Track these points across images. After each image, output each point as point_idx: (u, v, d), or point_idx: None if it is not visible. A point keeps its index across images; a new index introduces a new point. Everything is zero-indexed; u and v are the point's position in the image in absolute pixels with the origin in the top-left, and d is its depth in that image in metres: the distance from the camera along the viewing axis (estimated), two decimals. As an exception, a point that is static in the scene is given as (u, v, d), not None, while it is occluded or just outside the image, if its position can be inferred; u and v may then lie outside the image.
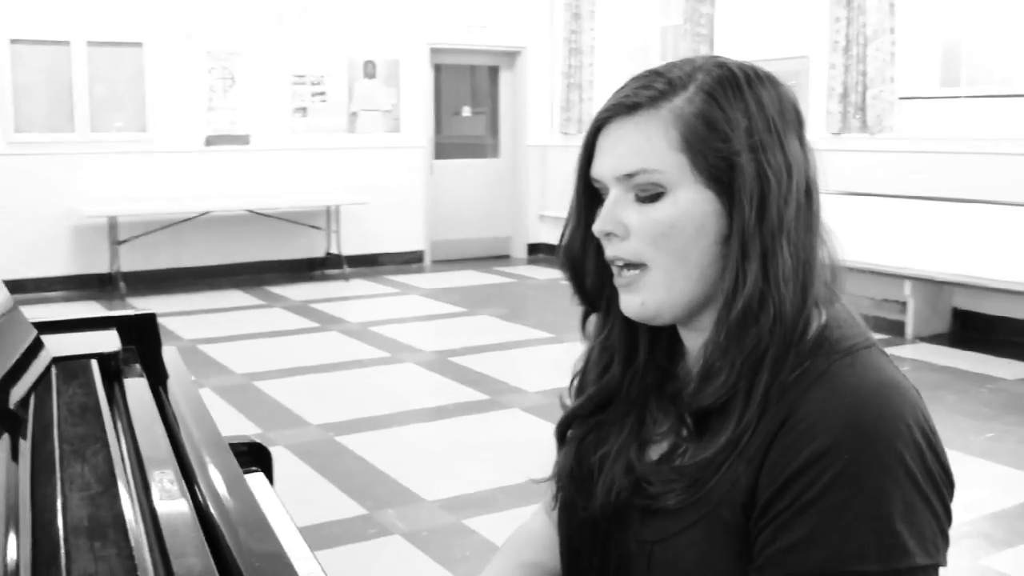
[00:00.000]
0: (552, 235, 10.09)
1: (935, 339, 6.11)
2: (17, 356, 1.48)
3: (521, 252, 10.23)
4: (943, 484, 0.88)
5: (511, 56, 10.14)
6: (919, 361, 5.61)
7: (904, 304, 6.15)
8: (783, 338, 0.91)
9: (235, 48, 8.65)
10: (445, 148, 10.01)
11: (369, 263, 9.35)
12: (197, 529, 1.03)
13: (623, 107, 0.95)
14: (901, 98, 6.94)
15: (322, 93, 9.10)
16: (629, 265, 0.96)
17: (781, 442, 0.88)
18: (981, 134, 6.37)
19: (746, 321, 0.91)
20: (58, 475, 1.10)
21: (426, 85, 9.63)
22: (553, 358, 6.01)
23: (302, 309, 7.45)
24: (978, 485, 3.71)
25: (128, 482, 1.11)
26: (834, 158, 7.17)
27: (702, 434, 0.95)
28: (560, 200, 9.95)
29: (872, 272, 6.08)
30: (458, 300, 7.83)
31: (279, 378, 5.40)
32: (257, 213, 8.67)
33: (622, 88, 0.97)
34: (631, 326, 1.03)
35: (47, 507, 1.05)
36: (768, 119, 0.92)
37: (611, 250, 0.97)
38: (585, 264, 1.03)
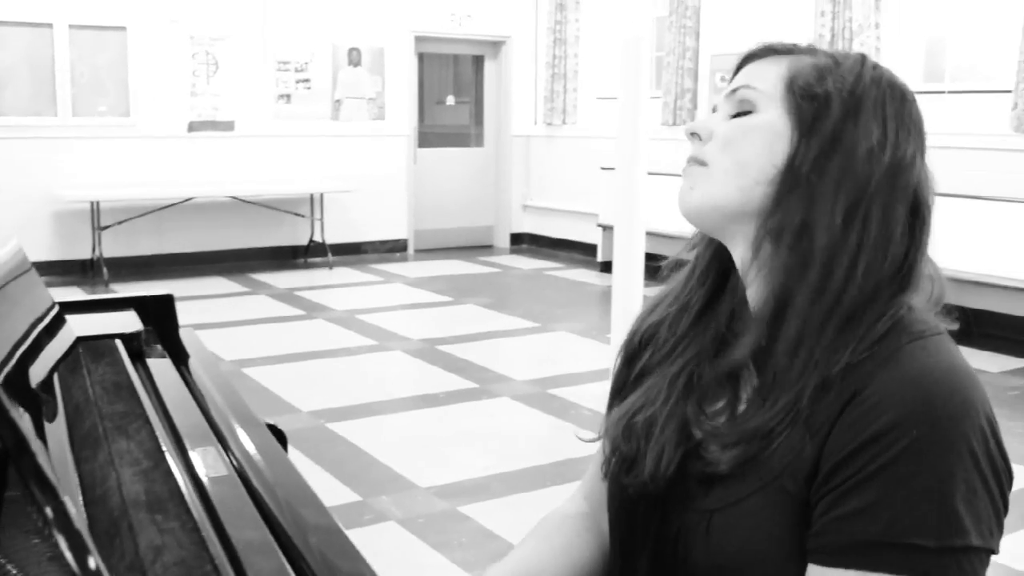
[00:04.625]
0: (535, 225, 10.13)
1: (918, 332, 6.17)
2: (38, 329, 1.47)
3: (504, 242, 10.23)
4: (1003, 473, 0.90)
5: (495, 46, 10.13)
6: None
7: (888, 297, 6.21)
8: (845, 307, 0.93)
9: (219, 33, 8.59)
10: (429, 137, 9.99)
11: (353, 251, 9.32)
12: (248, 503, 1.04)
13: (765, 48, 1.03)
14: (886, 93, 7.00)
15: (306, 80, 9.05)
16: (697, 161, 1.02)
17: (849, 416, 0.90)
18: (965, 129, 6.44)
19: (777, 243, 0.95)
20: (107, 451, 1.10)
21: (410, 74, 9.60)
22: (540, 348, 6.04)
23: (287, 297, 7.43)
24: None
25: (175, 457, 1.11)
26: (818, 152, 7.21)
27: (764, 395, 0.97)
28: (543, 190, 9.97)
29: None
30: (443, 289, 7.82)
31: (268, 365, 5.38)
32: (241, 200, 8.63)
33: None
34: (715, 281, 1.08)
35: (97, 482, 1.05)
36: (881, 102, 0.97)
37: (692, 149, 1.03)
38: None
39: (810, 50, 1.02)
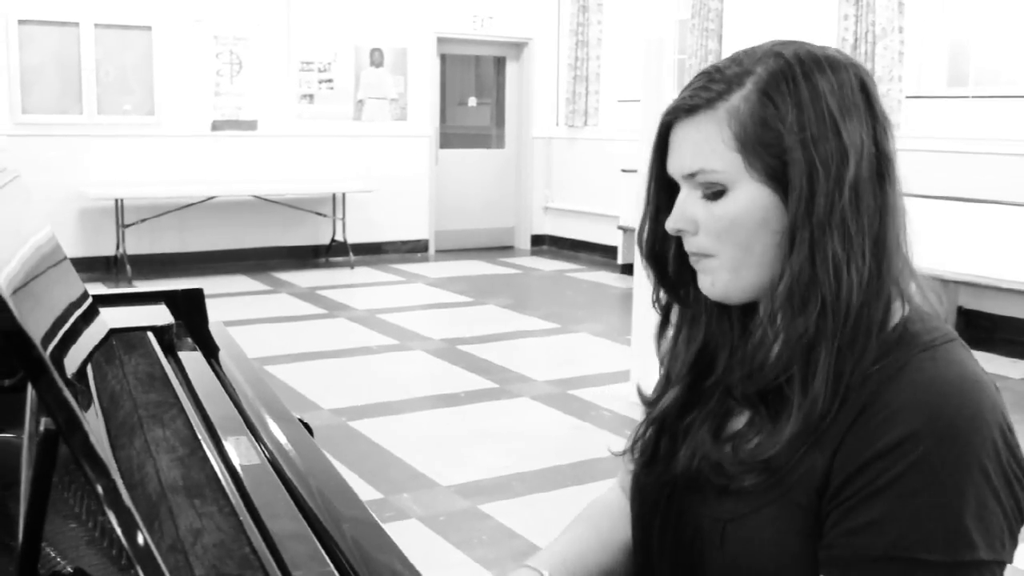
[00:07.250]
0: (556, 227, 10.13)
1: (940, 337, 6.15)
2: (73, 317, 1.49)
3: (525, 243, 10.25)
4: (1016, 482, 0.89)
5: (517, 47, 10.15)
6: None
7: (910, 301, 6.18)
8: (847, 325, 0.92)
9: (243, 33, 8.65)
10: (450, 138, 10.02)
11: (374, 251, 9.36)
12: (282, 490, 1.06)
13: (683, 109, 0.98)
14: (908, 97, 6.97)
15: (329, 80, 9.10)
16: (702, 255, 1.00)
17: (858, 430, 0.90)
18: (987, 134, 6.40)
19: (791, 311, 0.93)
20: (143, 438, 1.12)
21: (432, 74, 9.63)
22: (560, 349, 6.05)
23: (308, 295, 7.47)
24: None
25: (209, 445, 1.13)
26: (840, 155, 7.18)
27: (776, 418, 0.96)
28: (564, 192, 9.99)
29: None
30: (464, 289, 7.85)
31: (290, 363, 5.42)
32: (263, 199, 8.68)
33: (686, 87, 1.00)
34: (723, 306, 1.05)
35: (135, 468, 1.07)
36: (822, 109, 0.93)
37: (687, 244, 1.01)
38: (667, 254, 1.06)
39: (723, 78, 0.97)
